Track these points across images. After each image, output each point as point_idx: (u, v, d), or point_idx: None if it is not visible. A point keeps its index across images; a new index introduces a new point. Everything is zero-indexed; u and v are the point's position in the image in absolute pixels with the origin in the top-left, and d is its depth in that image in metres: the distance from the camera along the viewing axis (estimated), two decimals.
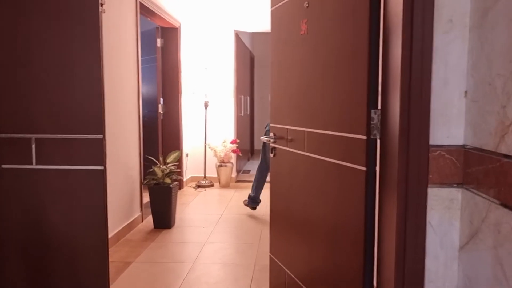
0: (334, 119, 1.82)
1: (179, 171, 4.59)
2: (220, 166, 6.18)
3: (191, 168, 6.48)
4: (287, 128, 2.29)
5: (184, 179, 6.17)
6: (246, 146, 8.49)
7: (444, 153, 1.27)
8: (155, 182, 4.18)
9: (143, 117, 6.19)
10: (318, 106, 1.96)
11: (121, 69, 3.93)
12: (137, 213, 4.34)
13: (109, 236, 3.60)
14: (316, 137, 1.97)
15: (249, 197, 4.80)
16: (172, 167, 4.25)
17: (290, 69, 2.27)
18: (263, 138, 2.42)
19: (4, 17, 1.71)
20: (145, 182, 4.26)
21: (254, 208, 4.80)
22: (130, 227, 4.09)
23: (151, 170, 4.27)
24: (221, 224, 4.39)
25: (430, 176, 1.29)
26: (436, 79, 1.26)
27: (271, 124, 2.50)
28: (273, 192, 2.56)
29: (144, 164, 4.53)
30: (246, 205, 4.85)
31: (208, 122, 6.41)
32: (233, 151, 6.23)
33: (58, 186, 1.73)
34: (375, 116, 1.59)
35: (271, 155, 2.49)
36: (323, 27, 1.90)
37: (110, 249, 3.55)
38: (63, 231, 1.78)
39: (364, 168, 1.62)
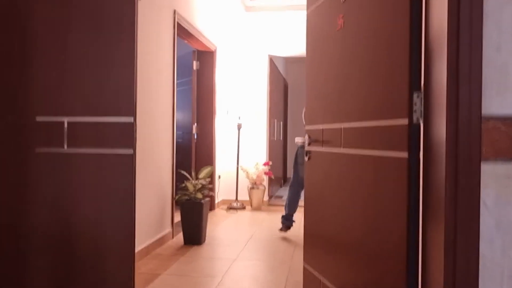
0: (372, 108, 1.74)
1: (211, 187, 4.54)
2: (252, 188, 6.10)
3: (223, 191, 6.42)
4: (322, 129, 2.22)
5: (216, 201, 6.11)
6: (279, 173, 8.38)
7: (499, 125, 1.16)
8: (186, 197, 4.13)
9: (177, 138, 6.27)
10: (355, 99, 1.89)
11: (158, 87, 3.99)
12: (168, 229, 4.29)
13: (139, 248, 3.55)
14: (353, 131, 1.89)
15: (282, 217, 4.65)
16: (204, 183, 4.20)
17: (326, 67, 2.21)
18: (298, 139, 2.35)
19: (51, 21, 1.76)
20: (176, 197, 4.22)
21: (288, 227, 4.62)
22: (160, 242, 4.04)
23: (183, 185, 4.24)
24: (252, 243, 4.26)
25: (483, 150, 1.17)
26: (488, 45, 1.17)
27: (306, 127, 2.43)
28: (308, 197, 2.46)
29: (176, 185, 4.50)
30: (280, 230, 4.64)
31: (241, 144, 6.39)
32: (266, 173, 6.15)
33: (88, 170, 1.71)
34: (418, 99, 1.50)
35: (306, 158, 2.41)
36: (361, 16, 1.85)
37: (139, 262, 3.50)
38: (91, 214, 1.74)
39: (405, 155, 1.51)
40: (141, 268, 3.38)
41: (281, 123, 8.36)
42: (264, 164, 6.17)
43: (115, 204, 1.70)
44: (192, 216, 4.08)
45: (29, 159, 1.74)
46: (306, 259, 2.44)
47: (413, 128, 1.52)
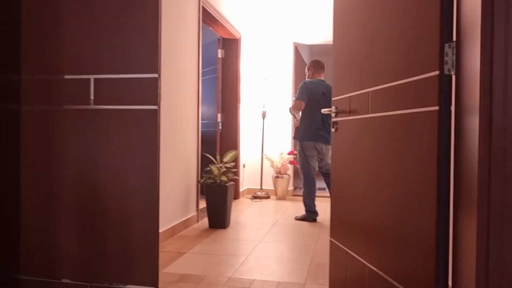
0: (402, 65, 1.68)
1: (236, 171, 4.53)
2: (277, 177, 6.06)
3: (247, 180, 6.42)
4: (349, 96, 2.16)
5: (241, 190, 6.11)
6: None
7: None
8: (211, 181, 4.14)
9: (204, 127, 6.29)
10: (382, 60, 1.83)
11: (183, 72, 4.01)
12: (193, 213, 4.30)
13: (165, 228, 3.58)
14: (381, 93, 1.83)
15: (306, 211, 4.61)
16: (229, 166, 4.20)
17: (353, 32, 2.16)
18: (324, 110, 2.30)
19: None
20: (202, 180, 4.23)
21: (314, 219, 4.58)
22: (185, 224, 4.06)
23: (208, 168, 4.25)
24: (277, 227, 4.23)
25: None
26: None
27: (333, 98, 2.38)
28: (335, 172, 2.40)
29: (201, 170, 4.52)
30: (298, 219, 4.61)
31: (266, 132, 6.37)
32: (290, 162, 6.11)
33: (114, 125, 1.72)
34: (449, 50, 1.44)
35: (333, 129, 2.35)
36: None
37: (164, 241, 3.52)
38: (117, 168, 1.75)
39: (436, 108, 1.45)
40: (166, 247, 3.40)
41: None
42: (289, 153, 6.12)
43: (140, 157, 1.70)
44: (217, 199, 4.09)
45: (58, 116, 1.76)
46: (333, 234, 2.39)
47: (444, 80, 1.45)
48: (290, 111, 4.99)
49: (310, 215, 4.59)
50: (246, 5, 6.24)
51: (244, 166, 6.31)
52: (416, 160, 1.58)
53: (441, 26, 1.45)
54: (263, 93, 6.26)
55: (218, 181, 4.10)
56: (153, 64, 1.63)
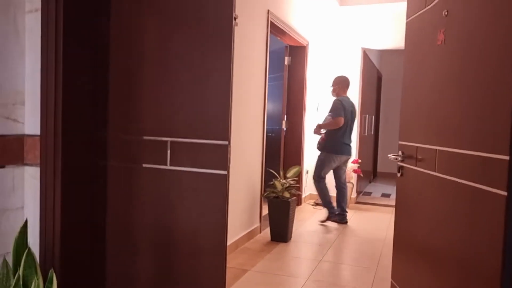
0: (470, 136, 1.65)
1: (298, 187, 4.62)
2: None
3: (310, 185, 6.46)
4: (416, 146, 2.15)
5: (303, 196, 6.18)
6: (369, 167, 8.19)
7: None
8: (274, 195, 4.26)
9: (268, 132, 6.42)
10: (451, 122, 1.80)
11: (250, 84, 4.13)
12: (256, 224, 4.46)
13: (229, 243, 3.77)
14: (448, 156, 1.81)
15: (329, 212, 5.06)
16: (292, 182, 4.29)
17: (423, 82, 2.13)
18: (391, 156, 2.31)
19: (152, 30, 1.94)
20: (265, 194, 4.37)
21: (343, 221, 5.02)
22: (249, 236, 4.23)
23: (271, 183, 4.37)
24: (338, 243, 4.27)
25: None
26: None
27: (400, 142, 2.37)
28: (398, 215, 2.41)
29: (265, 180, 4.66)
30: (323, 221, 5.03)
31: None
32: (354, 171, 6.06)
33: (186, 186, 1.87)
34: None
35: (398, 174, 2.35)
36: (464, 35, 1.75)
37: (228, 256, 3.71)
38: (187, 228, 1.91)
39: (504, 193, 1.43)
40: (230, 262, 3.58)
41: (373, 117, 8.11)
42: (353, 162, 6.07)
43: (210, 218, 1.84)
44: (279, 214, 4.20)
45: (138, 173, 1.95)
46: (393, 275, 2.41)
47: None
48: (320, 127, 5.28)
49: (333, 216, 5.06)
50: (314, 13, 6.20)
51: (307, 172, 6.36)
52: (480, 238, 1.56)
53: None
54: (329, 100, 6.23)
55: (281, 196, 4.20)
56: (224, 132, 1.74)
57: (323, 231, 4.75)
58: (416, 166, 2.15)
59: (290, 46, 5.99)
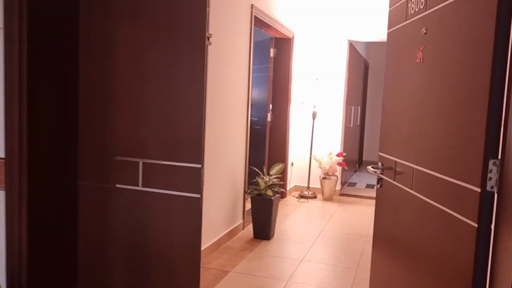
0: (445, 161, 1.64)
1: (282, 184, 4.62)
2: (324, 178, 6.08)
3: (295, 178, 6.49)
4: (395, 161, 2.14)
5: (288, 188, 6.21)
6: (355, 156, 8.23)
7: None
8: (257, 192, 4.26)
9: (254, 124, 6.38)
10: (428, 143, 1.79)
11: (233, 79, 4.07)
12: (239, 221, 4.47)
13: (211, 242, 3.77)
14: (424, 176, 1.81)
15: None
16: (275, 180, 4.28)
17: (402, 98, 2.11)
18: (370, 169, 2.30)
19: (125, 46, 1.88)
20: (248, 191, 4.36)
21: None
22: (231, 234, 4.24)
23: (254, 180, 4.36)
24: (320, 241, 4.31)
25: None
26: None
27: (380, 153, 2.36)
28: (377, 225, 2.42)
29: (248, 176, 4.66)
30: None
31: (315, 132, 6.35)
32: (339, 164, 6.08)
33: (158, 208, 1.85)
34: (494, 167, 1.39)
35: (378, 185, 2.35)
36: (440, 57, 1.73)
37: (210, 255, 3.72)
38: (160, 249, 1.90)
39: (475, 225, 1.43)
40: (212, 262, 3.59)
41: (359, 108, 8.11)
42: (338, 155, 6.09)
43: (183, 239, 1.83)
44: (262, 212, 4.21)
45: (110, 192, 1.92)
46: (372, 285, 2.44)
47: (485, 197, 1.42)
48: None
49: None
50: (299, 5, 6.11)
51: (292, 164, 6.38)
52: (452, 264, 1.57)
53: (486, 141, 1.41)
54: (314, 93, 6.21)
55: (264, 194, 4.20)
56: (197, 155, 1.71)
57: (306, 227, 4.78)
58: (394, 180, 2.15)
59: (276, 38, 5.92)
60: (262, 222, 4.23)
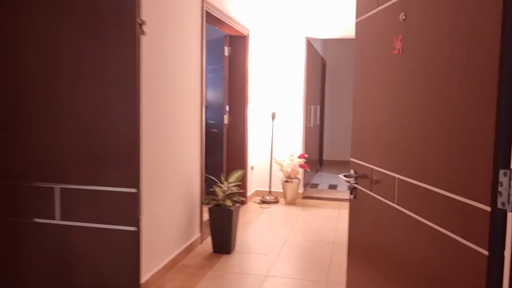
0: (438, 170, 1.36)
1: (242, 192, 4.28)
2: (286, 181, 5.79)
3: (256, 182, 6.17)
4: (371, 168, 1.85)
5: (249, 194, 5.87)
6: (315, 156, 8.02)
7: None
8: (215, 202, 3.89)
9: (211, 127, 6.00)
10: (415, 148, 1.51)
11: (184, 76, 3.69)
12: (197, 234, 4.08)
13: (165, 261, 3.37)
14: (411, 188, 1.52)
15: None
16: (234, 188, 3.93)
17: (378, 96, 1.82)
18: (342, 178, 2.00)
19: (41, 43, 1.47)
20: (205, 202, 3.99)
21: None
22: (188, 249, 3.84)
23: (211, 189, 4.00)
24: (285, 251, 4.00)
25: None
26: None
27: (351, 159, 2.07)
28: (352, 245, 2.13)
29: (206, 183, 4.29)
30: None
31: (275, 134, 6.06)
32: (301, 166, 5.82)
33: (84, 246, 1.45)
34: (505, 179, 1.11)
35: (351, 196, 2.06)
36: (427, 46, 1.44)
37: (165, 276, 3.31)
38: None
39: (485, 252, 1.15)
40: (166, 285, 3.19)
41: (318, 107, 7.91)
42: (300, 157, 5.83)
43: (118, 281, 1.44)
44: (221, 223, 3.85)
45: (25, 228, 1.50)
46: None
47: (497, 216, 1.14)
48: None
49: None
50: (254, 0, 5.79)
51: (252, 168, 6.05)
52: None
53: (495, 148, 1.13)
54: (272, 92, 5.91)
55: (223, 204, 3.84)
56: (132, 176, 1.33)
57: (269, 236, 4.46)
58: (371, 191, 1.86)
59: (230, 36, 5.57)
60: (222, 235, 3.87)
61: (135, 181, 1.31)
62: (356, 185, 1.99)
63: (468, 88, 1.23)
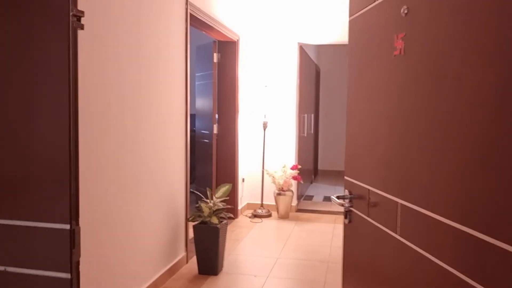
0: (452, 198, 1.09)
1: (231, 208, 3.99)
2: (279, 194, 5.51)
3: (247, 195, 5.89)
4: (368, 189, 1.59)
5: (240, 207, 5.59)
6: (309, 166, 7.75)
7: None
8: (201, 219, 3.61)
9: (202, 137, 5.73)
10: (421, 168, 1.24)
11: (166, 84, 3.42)
12: (181, 254, 3.79)
13: (146, 284, 3.08)
14: (417, 218, 1.25)
15: None
16: (221, 204, 3.65)
17: (375, 104, 1.56)
18: (335, 200, 1.73)
19: None
20: (190, 219, 3.71)
21: None
22: (172, 270, 3.55)
23: (197, 205, 3.72)
24: (276, 271, 3.71)
25: None
26: None
27: (346, 178, 1.80)
28: (347, 269, 1.86)
29: (189, 205, 4.01)
30: None
31: (267, 144, 5.79)
32: (294, 178, 5.54)
33: None
34: None
35: (345, 220, 1.79)
36: (436, 45, 1.19)
37: None
38: None
39: None
40: None
41: (312, 115, 7.66)
42: (292, 168, 5.55)
43: None
44: (207, 242, 3.56)
45: None
46: None
47: None
48: None
49: None
50: (244, 5, 5.56)
51: (243, 180, 5.77)
52: None
53: None
54: (264, 101, 5.65)
55: (209, 221, 3.56)
56: (64, 207, 1.04)
57: (260, 254, 4.17)
58: (368, 216, 1.59)
59: (219, 42, 5.32)
60: (208, 255, 3.58)
61: (69, 215, 1.03)
62: (351, 208, 1.72)
63: (493, 98, 0.97)
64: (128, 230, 2.87)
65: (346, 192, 1.77)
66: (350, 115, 1.79)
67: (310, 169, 7.89)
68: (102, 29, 2.53)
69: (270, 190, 5.73)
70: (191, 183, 4.15)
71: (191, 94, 5.44)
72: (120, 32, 2.72)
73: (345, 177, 1.81)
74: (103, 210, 2.57)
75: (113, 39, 2.66)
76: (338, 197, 1.74)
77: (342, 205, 1.70)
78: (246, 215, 5.62)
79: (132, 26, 2.86)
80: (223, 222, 3.63)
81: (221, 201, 3.68)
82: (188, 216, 3.83)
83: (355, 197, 1.72)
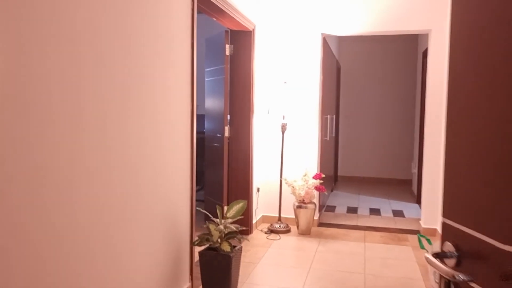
0: None
1: (245, 230, 3.30)
2: (299, 207, 4.80)
3: (263, 206, 5.19)
4: (492, 245, 0.87)
5: (254, 221, 4.89)
6: (330, 172, 7.01)
7: None
8: (209, 244, 2.92)
9: (212, 141, 5.05)
10: None
11: (166, 82, 2.74)
12: (185, 284, 3.10)
13: None
14: None
15: None
16: (234, 227, 2.95)
17: (503, 102, 0.84)
18: (433, 261, 1.02)
19: None
20: (196, 242, 3.02)
21: None
22: None
23: (204, 225, 3.03)
24: None
25: None
26: None
27: (444, 219, 1.09)
28: None
29: (195, 225, 3.31)
30: None
31: (286, 149, 5.09)
32: (317, 188, 4.82)
33: None
34: None
35: None
36: None
37: None
38: None
39: None
40: None
41: (334, 116, 6.93)
42: (315, 177, 4.83)
43: None
44: (216, 273, 2.87)
45: None
46: None
47: None
48: None
49: None
50: None
51: (258, 190, 5.07)
52: None
53: None
54: (282, 100, 4.94)
55: (219, 248, 2.87)
56: None
57: (279, 284, 3.46)
58: None
59: (232, 31, 4.64)
60: (217, 286, 2.89)
61: None
62: (463, 277, 0.99)
63: None
64: (109, 259, 2.19)
65: (448, 247, 1.05)
66: (453, 118, 1.07)
67: (330, 175, 7.17)
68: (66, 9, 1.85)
69: (289, 201, 5.03)
70: (198, 190, 3.48)
71: (200, 92, 4.77)
72: (102, 17, 2.05)
73: (444, 219, 1.09)
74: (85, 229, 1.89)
75: (91, 25, 1.98)
76: (437, 255, 1.02)
77: (453, 276, 0.97)
78: (261, 230, 4.92)
79: (121, 7, 2.18)
80: (236, 248, 2.94)
81: (233, 222, 2.99)
82: (194, 239, 3.14)
83: (467, 255, 1.00)
